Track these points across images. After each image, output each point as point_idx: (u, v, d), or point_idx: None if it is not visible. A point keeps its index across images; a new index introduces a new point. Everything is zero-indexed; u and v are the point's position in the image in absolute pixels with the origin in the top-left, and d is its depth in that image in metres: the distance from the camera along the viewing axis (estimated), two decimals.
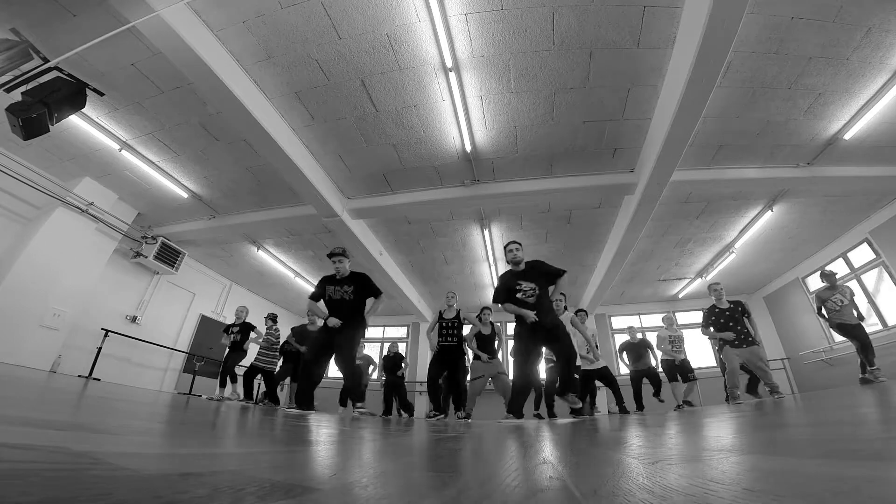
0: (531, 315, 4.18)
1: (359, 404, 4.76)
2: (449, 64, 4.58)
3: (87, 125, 5.70)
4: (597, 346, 7.30)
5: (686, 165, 5.95)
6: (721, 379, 6.10)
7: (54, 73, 4.28)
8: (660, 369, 7.71)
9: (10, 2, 3.99)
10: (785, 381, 10.11)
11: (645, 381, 7.51)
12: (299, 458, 1.01)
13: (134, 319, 8.59)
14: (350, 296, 4.82)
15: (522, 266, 4.52)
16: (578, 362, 6.02)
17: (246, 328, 7.85)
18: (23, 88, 4.15)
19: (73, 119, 5.28)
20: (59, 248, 6.68)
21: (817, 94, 4.98)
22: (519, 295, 4.36)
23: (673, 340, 7.58)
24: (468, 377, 6.35)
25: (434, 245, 8.83)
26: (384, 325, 13.56)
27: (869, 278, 8.33)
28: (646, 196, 6.21)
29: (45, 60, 4.18)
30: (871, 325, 8.22)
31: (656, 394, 7.43)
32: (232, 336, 7.76)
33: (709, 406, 7.83)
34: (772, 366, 10.20)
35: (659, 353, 7.72)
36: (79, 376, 6.90)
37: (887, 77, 4.69)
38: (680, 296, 11.65)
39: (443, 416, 6.14)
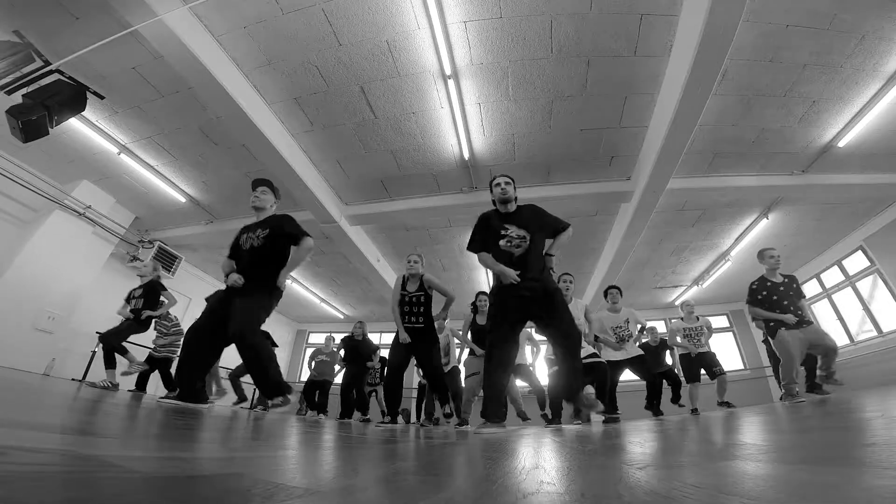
0: (512, 275, 3.06)
1: (277, 399, 3.16)
2: (448, 71, 4.61)
3: (87, 128, 5.70)
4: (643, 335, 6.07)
5: (682, 173, 5.99)
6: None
7: (55, 76, 4.30)
8: (677, 368, 6.74)
9: (14, 4, 4.02)
10: None
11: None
12: (299, 461, 1.03)
13: None
14: (259, 241, 3.46)
15: (512, 207, 3.43)
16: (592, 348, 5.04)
17: (151, 290, 5.79)
18: (24, 91, 4.16)
19: (73, 122, 5.27)
20: (56, 252, 6.66)
21: (812, 101, 5.04)
22: (502, 243, 3.21)
23: (688, 334, 6.49)
24: (462, 375, 5.65)
25: (432, 252, 8.83)
26: (380, 332, 13.48)
27: (864, 286, 8.39)
28: (642, 204, 6.25)
29: (47, 63, 4.20)
30: (865, 332, 8.32)
31: (675, 399, 6.20)
32: (133, 303, 5.74)
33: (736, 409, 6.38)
34: (771, 372, 10.28)
35: (676, 350, 6.72)
36: (73, 380, 6.84)
37: (881, 84, 4.75)
38: (676, 303, 11.67)
39: (392, 421, 4.92)
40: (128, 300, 5.86)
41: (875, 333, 8.06)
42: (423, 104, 5.19)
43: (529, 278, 3.09)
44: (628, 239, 7.29)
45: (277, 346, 6.77)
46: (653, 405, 5.66)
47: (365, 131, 5.65)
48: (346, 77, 4.85)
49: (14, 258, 6.21)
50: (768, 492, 0.59)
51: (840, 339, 8.79)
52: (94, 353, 7.25)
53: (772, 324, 4.65)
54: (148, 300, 5.71)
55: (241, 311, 3.20)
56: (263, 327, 3.39)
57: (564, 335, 3.07)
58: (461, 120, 5.30)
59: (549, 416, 5.26)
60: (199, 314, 3.44)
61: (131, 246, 8.33)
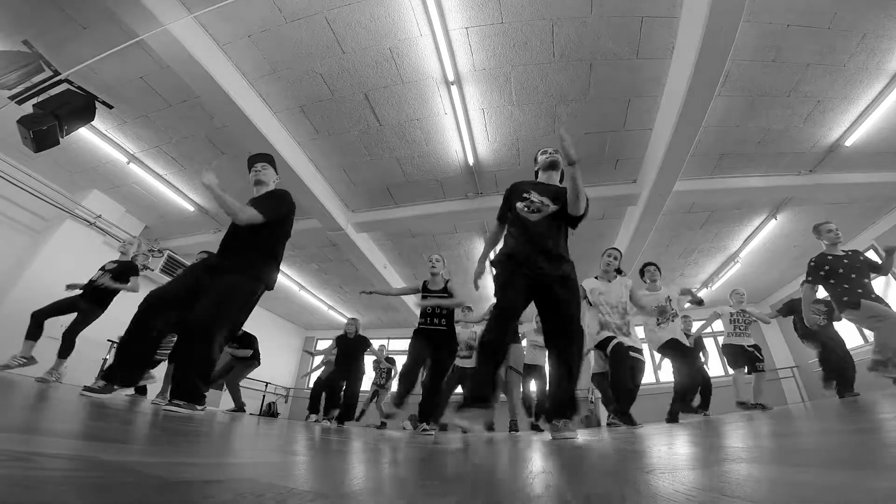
0: (479, 272, 2.85)
1: (182, 403, 2.62)
2: (451, 77, 4.64)
3: (96, 138, 5.80)
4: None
5: (688, 175, 5.95)
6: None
7: (64, 86, 4.37)
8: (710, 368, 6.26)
9: (23, 14, 4.11)
10: (795, 389, 10.00)
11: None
12: (309, 467, 1.04)
13: None
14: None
15: (555, 178, 2.99)
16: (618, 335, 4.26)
17: (125, 269, 5.33)
18: (34, 100, 4.24)
19: (83, 131, 5.37)
20: (67, 261, 6.75)
21: (816, 101, 5.00)
22: (520, 205, 2.77)
23: (734, 320, 6.06)
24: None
25: None
26: (388, 338, 13.48)
27: (876, 285, 8.24)
28: (649, 207, 6.23)
29: (56, 73, 4.27)
30: None
31: (703, 405, 5.73)
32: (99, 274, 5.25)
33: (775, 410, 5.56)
34: (781, 374, 10.16)
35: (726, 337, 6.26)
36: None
37: (885, 82, 4.71)
38: (685, 305, 11.56)
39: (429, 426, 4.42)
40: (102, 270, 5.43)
41: None
42: (426, 111, 5.22)
43: (542, 251, 2.55)
44: (636, 242, 7.25)
45: (254, 354, 6.66)
46: (674, 413, 5.02)
47: (370, 138, 5.69)
48: (350, 85, 4.89)
49: (26, 267, 6.33)
50: (770, 494, 0.60)
51: (854, 340, 8.66)
52: (105, 360, 7.34)
53: (845, 298, 4.29)
54: (118, 280, 5.27)
55: (216, 296, 2.72)
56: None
57: (564, 333, 2.49)
58: (465, 126, 5.31)
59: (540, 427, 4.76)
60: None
61: (141, 255, 8.41)
